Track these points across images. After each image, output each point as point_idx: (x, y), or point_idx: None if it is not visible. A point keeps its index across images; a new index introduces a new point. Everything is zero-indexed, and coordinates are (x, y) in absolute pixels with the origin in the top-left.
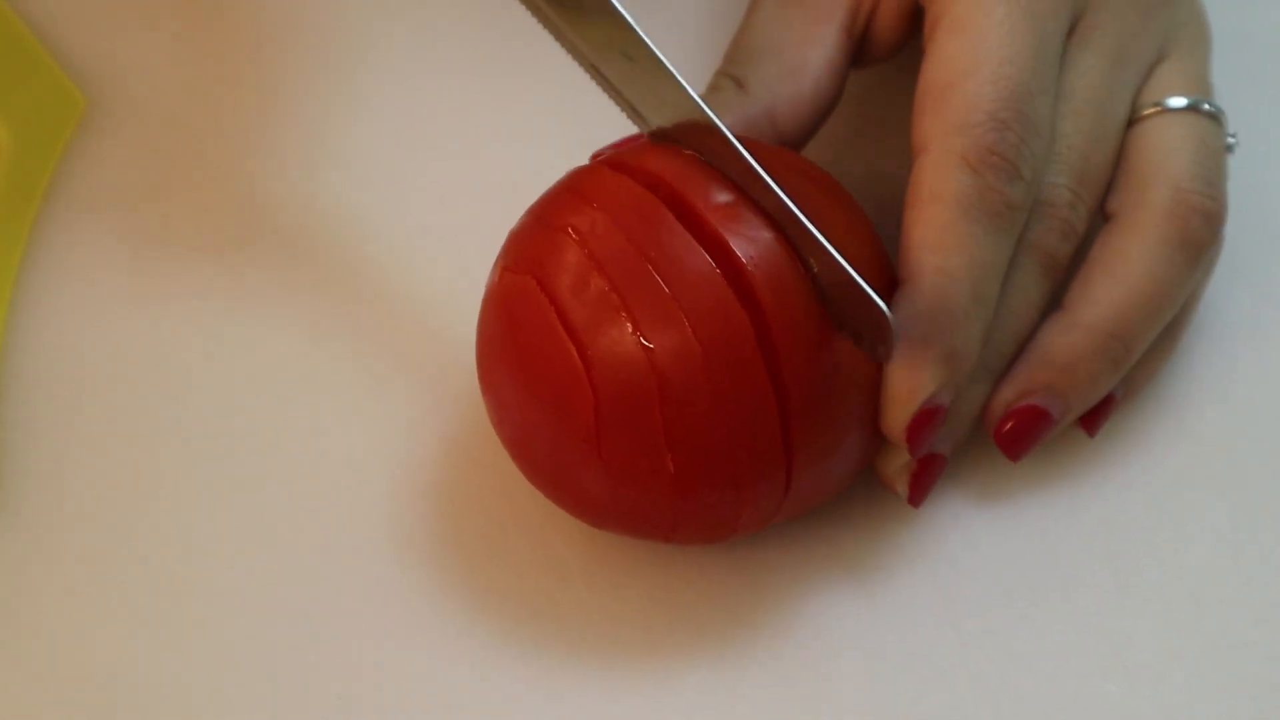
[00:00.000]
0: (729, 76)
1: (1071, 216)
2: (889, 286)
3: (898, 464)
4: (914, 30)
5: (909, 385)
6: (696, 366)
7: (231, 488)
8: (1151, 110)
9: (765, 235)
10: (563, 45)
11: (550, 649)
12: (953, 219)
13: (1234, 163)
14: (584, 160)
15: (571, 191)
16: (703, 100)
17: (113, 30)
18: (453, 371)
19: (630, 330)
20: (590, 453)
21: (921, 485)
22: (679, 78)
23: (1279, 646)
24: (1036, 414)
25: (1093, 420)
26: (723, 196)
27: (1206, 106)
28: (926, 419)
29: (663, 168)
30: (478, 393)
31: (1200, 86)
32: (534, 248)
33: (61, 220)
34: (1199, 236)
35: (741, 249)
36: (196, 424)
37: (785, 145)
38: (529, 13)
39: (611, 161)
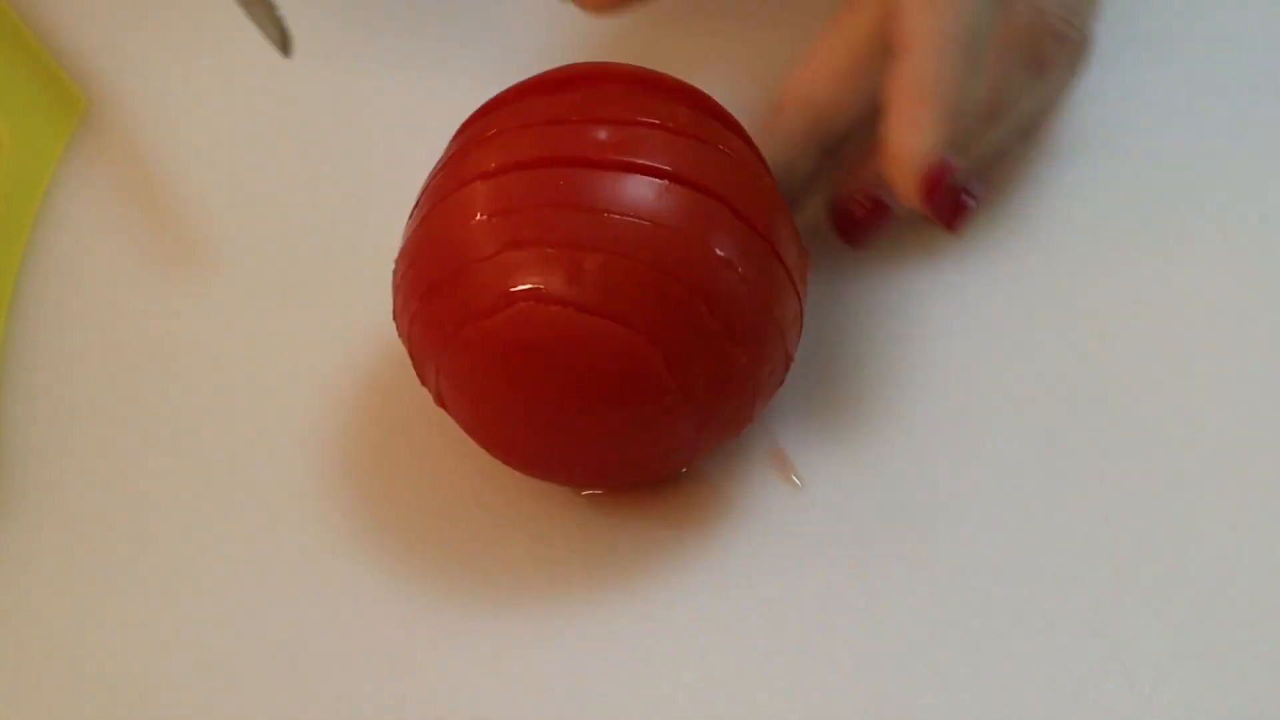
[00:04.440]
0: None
1: None
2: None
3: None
4: None
5: (910, 145)
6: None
7: (230, 485)
8: None
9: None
10: None
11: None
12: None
13: (1235, 156)
14: None
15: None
16: None
17: (113, 30)
18: None
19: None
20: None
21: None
22: None
23: (1279, 647)
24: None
25: (948, 217)
26: (605, 133)
27: None
28: (937, 176)
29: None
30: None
31: None
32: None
33: (61, 220)
34: (1048, 57)
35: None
36: (196, 423)
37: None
38: None
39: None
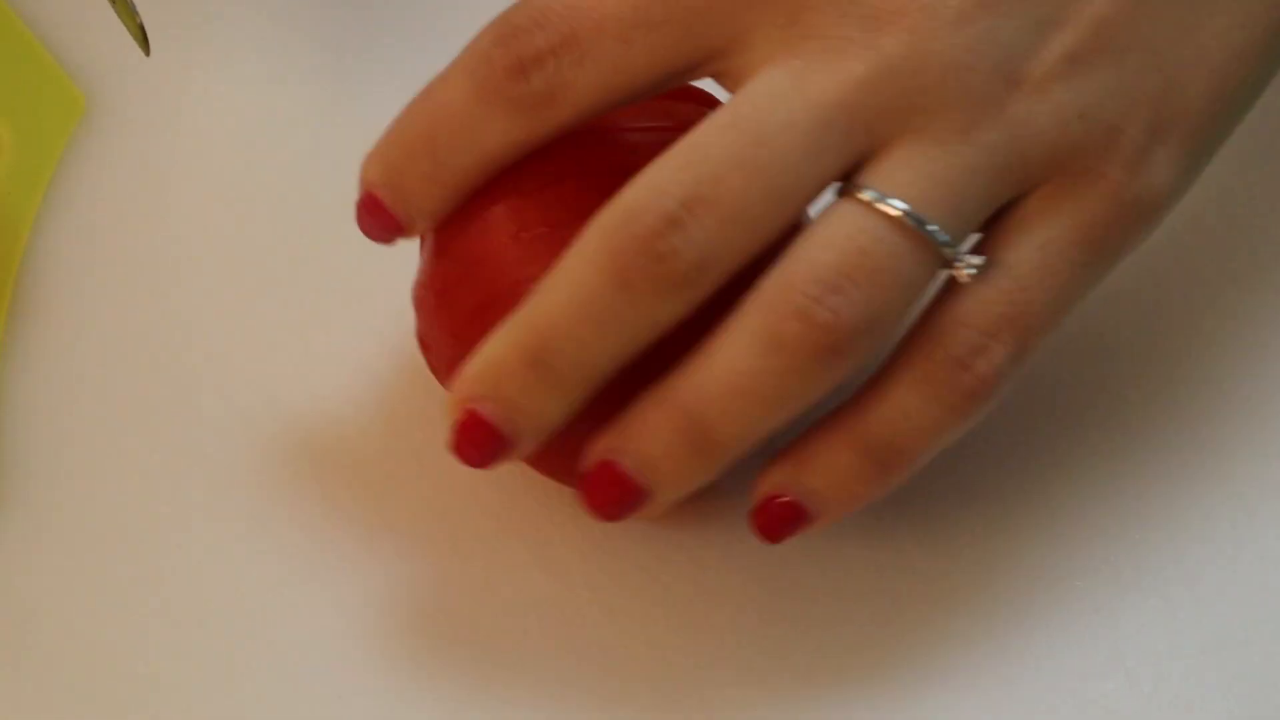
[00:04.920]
0: None
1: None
2: None
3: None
4: None
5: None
6: None
7: (230, 485)
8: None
9: None
10: None
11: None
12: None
13: (1235, 161)
14: None
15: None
16: None
17: (113, 30)
18: None
19: None
20: None
21: (466, 442)
22: None
23: (1279, 646)
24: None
25: (768, 527)
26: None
27: (930, 228)
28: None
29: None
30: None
31: (921, 195)
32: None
33: (61, 220)
34: (796, 342)
35: None
36: (196, 423)
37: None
38: None
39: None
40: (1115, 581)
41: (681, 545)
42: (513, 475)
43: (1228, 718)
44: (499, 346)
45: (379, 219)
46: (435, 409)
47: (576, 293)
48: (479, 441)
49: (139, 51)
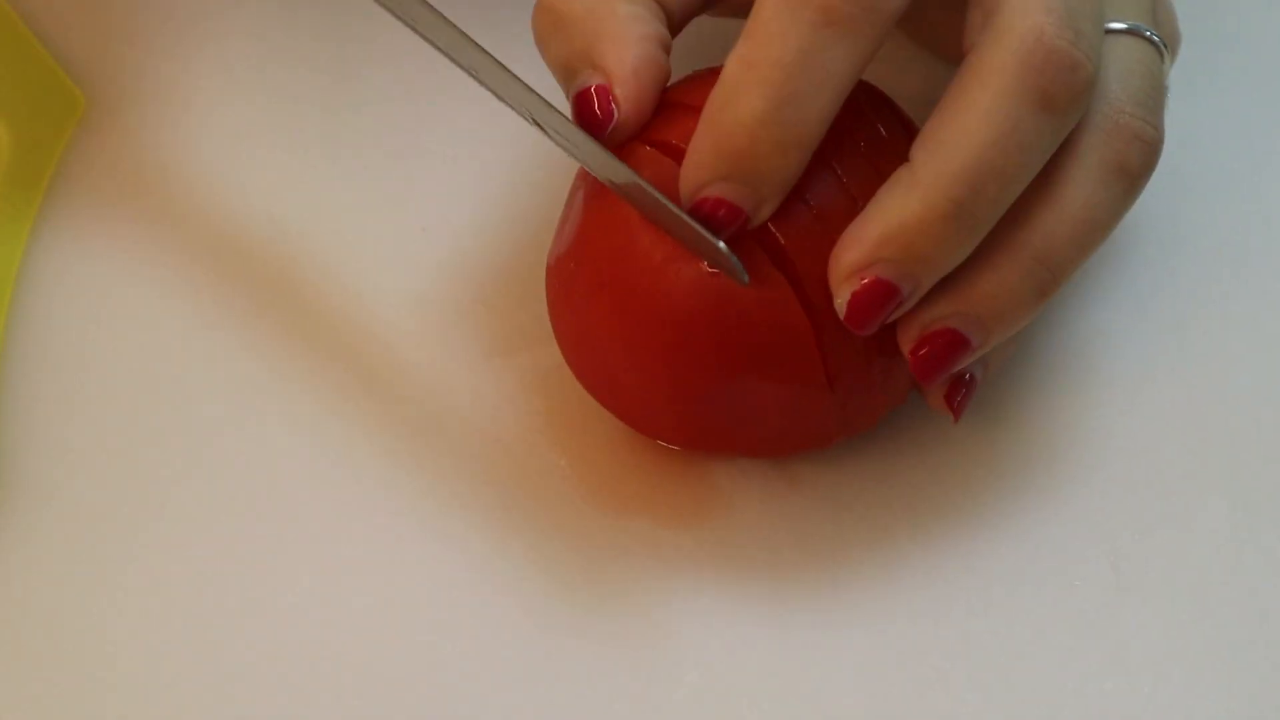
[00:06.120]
0: None
1: None
2: None
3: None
4: None
5: (685, 171)
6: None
7: (232, 485)
8: None
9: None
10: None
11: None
12: (771, 12)
13: (1232, 160)
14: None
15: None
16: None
17: (113, 30)
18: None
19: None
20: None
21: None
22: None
23: (1279, 647)
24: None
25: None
26: None
27: (1149, 34)
28: (708, 207)
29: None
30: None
31: (1142, 13)
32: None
33: (61, 220)
34: (1135, 165)
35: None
36: (196, 422)
37: (673, 25)
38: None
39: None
40: (1115, 579)
41: (681, 545)
42: (511, 476)
43: (1228, 718)
44: (909, 204)
45: (725, 223)
46: (432, 406)
47: (998, 126)
48: (876, 305)
49: (139, 51)
